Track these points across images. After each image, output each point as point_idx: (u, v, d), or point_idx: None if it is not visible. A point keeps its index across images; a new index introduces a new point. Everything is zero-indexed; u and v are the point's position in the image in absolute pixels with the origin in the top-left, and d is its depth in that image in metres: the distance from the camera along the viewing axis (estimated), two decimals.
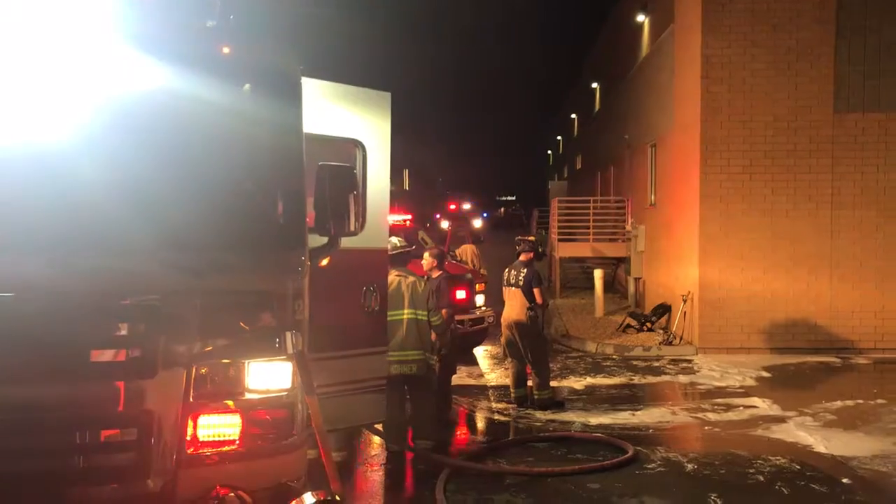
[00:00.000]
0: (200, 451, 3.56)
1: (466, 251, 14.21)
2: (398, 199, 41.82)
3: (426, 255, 8.57)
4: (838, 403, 8.94)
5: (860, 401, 9.04)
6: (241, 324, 3.64)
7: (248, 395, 3.65)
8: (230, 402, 3.62)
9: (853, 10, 11.95)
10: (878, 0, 11.98)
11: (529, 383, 9.26)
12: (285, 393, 3.72)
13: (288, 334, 3.64)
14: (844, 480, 6.41)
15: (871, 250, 12.11)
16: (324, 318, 5.23)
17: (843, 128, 12.04)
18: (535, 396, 9.11)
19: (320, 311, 4.95)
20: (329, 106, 5.86)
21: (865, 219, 12.08)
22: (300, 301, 3.84)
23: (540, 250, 10.12)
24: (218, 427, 3.58)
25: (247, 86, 4.10)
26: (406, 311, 7.26)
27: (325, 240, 4.27)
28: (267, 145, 3.95)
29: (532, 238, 10.09)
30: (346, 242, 4.60)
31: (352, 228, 4.28)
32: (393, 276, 7.13)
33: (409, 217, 14.98)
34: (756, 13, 12.06)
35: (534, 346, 9.12)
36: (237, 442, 3.61)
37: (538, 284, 9.16)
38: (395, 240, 7.62)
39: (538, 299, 9.10)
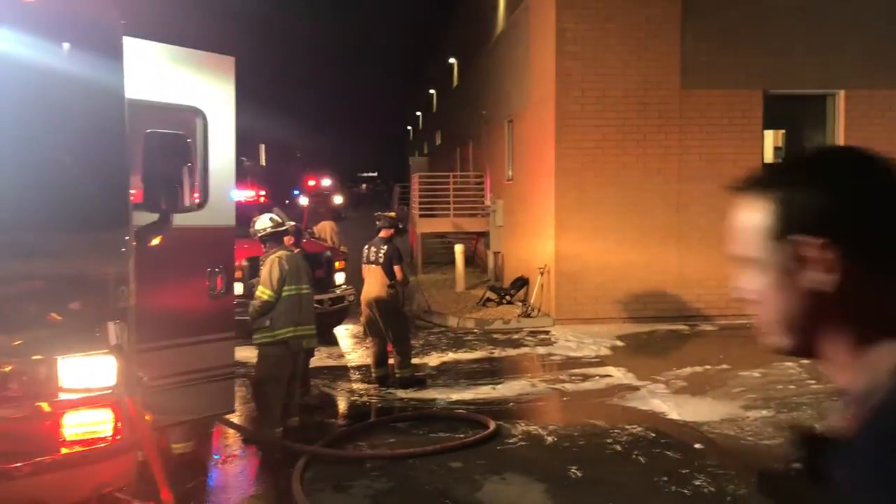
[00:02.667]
0: (5, 465, 3.08)
1: (325, 228, 13.80)
2: (253, 174, 40.56)
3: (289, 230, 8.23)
4: (688, 370, 9.28)
5: (708, 367, 9.41)
6: (53, 315, 3.17)
7: (62, 396, 3.19)
8: (42, 405, 3.15)
9: None
10: None
11: (391, 362, 9.06)
12: (109, 391, 3.28)
13: (110, 324, 3.20)
14: (697, 446, 6.60)
15: (715, 221, 12.59)
16: (162, 304, 4.79)
17: (689, 104, 12.47)
18: (397, 375, 8.93)
19: (157, 296, 4.51)
20: (164, 71, 5.34)
21: (709, 192, 12.57)
22: (124, 286, 3.40)
23: (400, 226, 9.92)
24: (25, 434, 3.11)
25: (64, 44, 3.59)
26: (305, 286, 7.28)
27: (155, 217, 3.83)
28: (81, 110, 3.46)
29: (392, 214, 9.88)
30: (186, 220, 4.19)
31: (186, 203, 3.86)
32: (281, 252, 7.17)
33: (263, 193, 14.35)
34: None
35: (394, 324, 8.93)
36: (51, 449, 3.16)
37: (399, 261, 8.97)
38: (270, 216, 7.50)
39: (399, 276, 8.91)
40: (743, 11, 12.43)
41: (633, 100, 12.38)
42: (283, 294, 7.01)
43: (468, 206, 19.72)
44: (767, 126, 12.95)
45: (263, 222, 7.37)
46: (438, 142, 36.10)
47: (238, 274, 8.67)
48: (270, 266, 7.02)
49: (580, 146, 12.38)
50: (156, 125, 4.22)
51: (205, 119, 5.54)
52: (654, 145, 12.45)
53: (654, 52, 12.34)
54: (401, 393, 8.62)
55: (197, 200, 4.95)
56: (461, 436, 6.91)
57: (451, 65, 29.00)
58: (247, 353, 8.01)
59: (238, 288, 8.32)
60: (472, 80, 22.88)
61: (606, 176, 12.44)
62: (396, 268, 8.91)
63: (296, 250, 7.90)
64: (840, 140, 12.82)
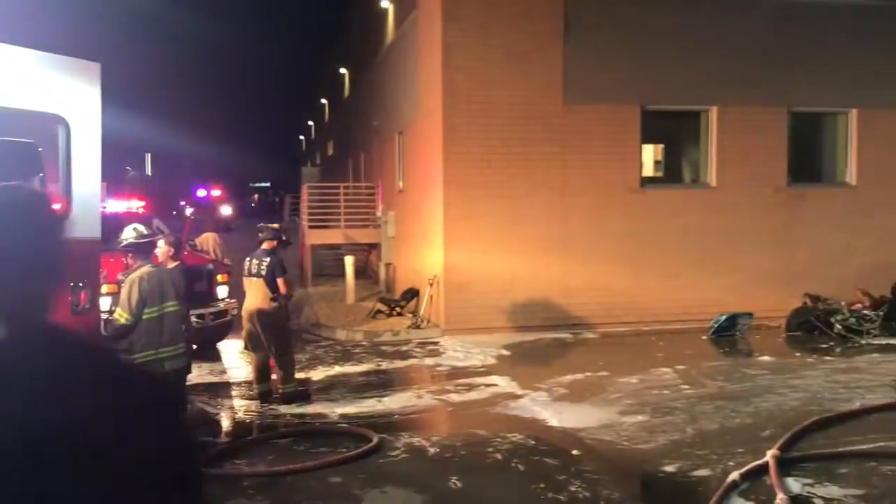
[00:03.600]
0: None
1: (208, 240, 13.42)
2: (138, 184, 39.16)
3: (161, 243, 7.91)
4: (570, 377, 9.49)
5: (589, 374, 9.65)
6: None
7: None
8: None
9: (578, 7, 12.74)
10: (598, 1, 12.85)
11: (274, 377, 8.88)
12: None
13: None
14: (574, 452, 6.74)
15: (596, 233, 13.04)
16: None
17: (571, 118, 12.81)
18: (280, 390, 8.75)
19: None
20: (22, 76, 5.08)
21: (591, 203, 12.98)
22: None
23: (283, 238, 9.76)
24: None
25: None
26: (170, 304, 6.89)
27: None
28: None
29: (276, 226, 9.74)
30: None
31: None
32: (148, 268, 6.78)
33: (142, 204, 13.84)
34: (492, 4, 12.47)
35: (277, 338, 8.76)
36: None
37: (282, 274, 8.81)
38: (135, 227, 7.12)
39: (282, 289, 8.75)
40: (622, 29, 12.91)
41: (518, 114, 12.62)
42: (144, 317, 6.60)
43: (360, 218, 19.62)
44: (646, 140, 13.47)
45: (127, 233, 7.05)
46: (331, 152, 35.81)
47: (114, 288, 8.32)
48: (130, 288, 6.65)
49: (468, 158, 12.53)
50: (13, 133, 4.00)
51: (67, 127, 5.29)
52: (539, 158, 12.73)
53: (538, 67, 12.63)
54: (284, 408, 8.45)
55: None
56: (343, 450, 6.82)
57: (343, 75, 28.86)
58: None
59: (106, 303, 7.99)
60: (364, 91, 22.84)
61: (493, 188, 12.62)
62: (279, 280, 8.75)
63: (175, 263, 7.63)
64: (714, 154, 13.48)
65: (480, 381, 9.50)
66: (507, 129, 12.60)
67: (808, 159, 14.34)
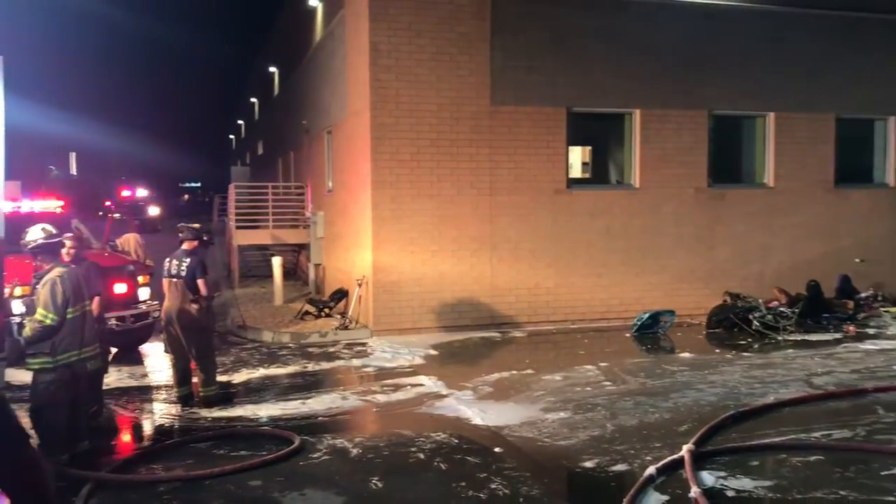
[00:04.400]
0: None
1: (130, 240, 13.05)
2: (59, 184, 37.94)
3: (66, 241, 7.68)
4: (496, 376, 9.55)
5: (514, 372, 9.73)
6: None
7: None
8: None
9: (506, 9, 12.83)
10: (525, 3, 12.98)
11: (195, 380, 8.70)
12: None
13: None
14: (496, 449, 6.78)
15: (524, 233, 13.16)
16: None
17: (499, 119, 12.90)
18: (201, 394, 8.59)
19: None
20: None
21: (519, 204, 13.09)
22: None
23: (205, 238, 9.57)
24: None
25: None
26: (87, 303, 6.87)
27: None
28: None
29: (196, 225, 9.51)
30: None
31: None
32: (58, 269, 6.67)
33: (61, 203, 13.40)
34: (420, 4, 12.46)
35: (198, 341, 8.59)
36: None
37: (203, 275, 8.64)
38: (43, 227, 6.92)
39: (203, 291, 8.59)
40: (548, 31, 13.05)
41: (447, 114, 12.65)
42: (68, 316, 6.55)
43: (289, 218, 19.38)
44: (574, 142, 13.66)
45: (34, 233, 6.83)
46: (261, 151, 35.31)
47: (28, 290, 8.03)
48: (52, 287, 6.50)
49: (396, 158, 12.49)
50: None
51: None
52: (467, 159, 12.77)
53: (466, 68, 12.68)
54: (204, 412, 8.28)
55: None
56: (264, 453, 6.72)
57: (273, 73, 28.48)
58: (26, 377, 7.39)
59: (17, 306, 7.73)
60: (294, 90, 22.58)
61: (422, 188, 12.62)
62: (200, 281, 8.59)
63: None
64: (637, 155, 13.75)
65: (407, 381, 9.48)
66: (435, 129, 12.61)
67: (729, 161, 14.75)
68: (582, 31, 13.26)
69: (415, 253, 12.64)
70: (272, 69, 28.35)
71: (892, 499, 5.51)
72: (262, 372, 10.26)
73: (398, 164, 12.50)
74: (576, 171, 13.98)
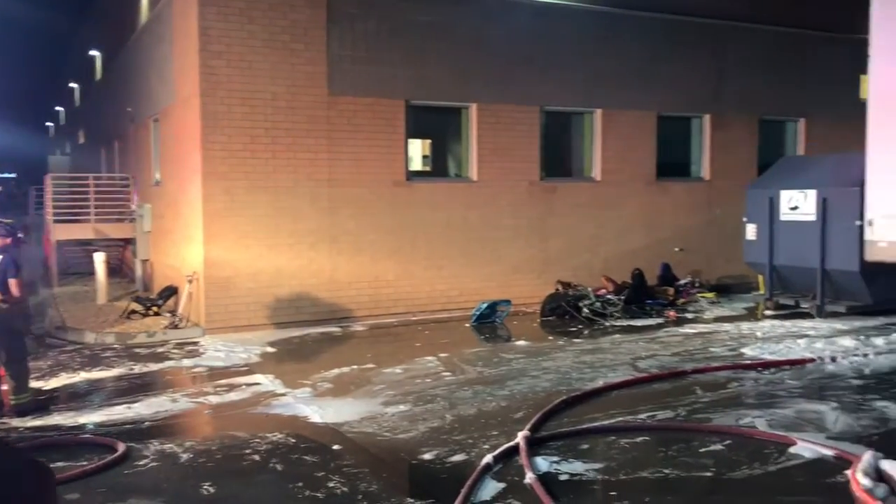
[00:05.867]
0: None
1: None
2: None
3: None
4: (335, 371, 9.39)
5: (354, 367, 9.60)
6: None
7: None
8: None
9: None
10: None
11: (4, 388, 7.97)
12: None
13: None
14: (335, 447, 6.64)
15: (365, 225, 13.04)
16: None
17: (337, 110, 12.69)
18: (13, 402, 7.88)
19: None
20: None
21: (359, 196, 12.95)
22: None
23: (19, 235, 8.80)
24: None
25: None
26: None
27: None
28: None
29: (9, 221, 8.73)
30: None
31: None
32: None
33: None
34: None
35: (7, 345, 7.90)
36: None
37: (14, 275, 7.96)
38: None
39: (15, 291, 7.90)
40: (386, 22, 12.98)
41: (283, 103, 12.29)
42: None
43: (113, 211, 18.23)
44: (414, 135, 13.68)
45: None
46: (82, 140, 33.04)
47: None
48: None
49: (228, 148, 12.00)
50: None
51: None
52: (304, 150, 12.48)
53: (302, 57, 12.37)
54: (16, 421, 7.60)
55: None
56: (84, 464, 6.24)
57: (94, 57, 26.68)
58: None
59: None
60: (118, 75, 21.23)
61: (256, 180, 12.20)
62: (11, 281, 7.91)
63: None
64: (474, 149, 13.96)
65: (242, 380, 9.14)
66: (270, 118, 12.23)
67: (560, 155, 15.31)
68: (420, 23, 13.28)
69: (250, 247, 12.22)
70: (94, 53, 26.54)
71: (709, 474, 5.87)
72: (83, 376, 9.57)
73: (231, 154, 12.02)
74: (416, 164, 14.01)
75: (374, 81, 12.92)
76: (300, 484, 5.75)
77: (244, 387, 8.83)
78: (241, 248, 12.15)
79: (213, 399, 8.38)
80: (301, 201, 12.51)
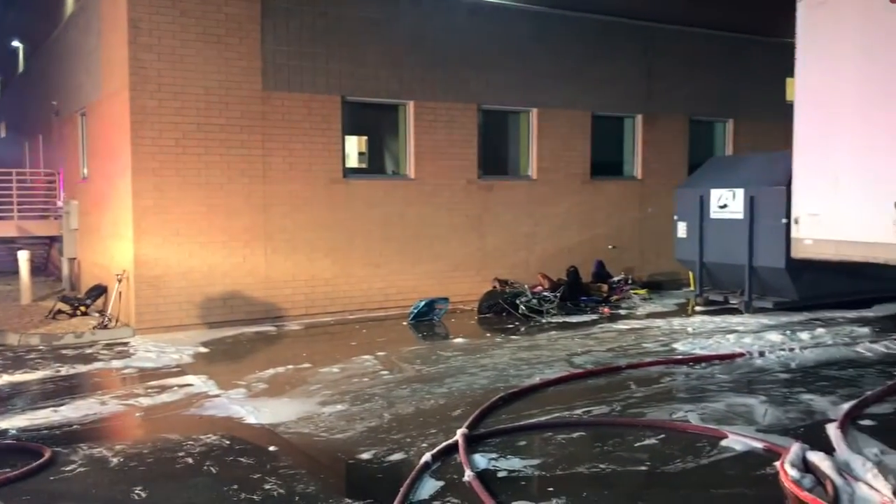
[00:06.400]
0: None
1: None
2: None
3: None
4: (271, 371, 9.25)
5: (290, 366, 9.48)
6: None
7: None
8: None
9: None
10: None
11: None
12: None
13: None
14: (271, 448, 6.53)
15: (300, 223, 12.88)
16: None
17: (271, 105, 12.49)
18: None
19: None
20: None
21: (294, 193, 12.79)
22: None
23: None
24: None
25: None
26: None
27: None
28: None
29: None
30: None
31: None
32: None
33: None
34: None
35: None
36: None
37: None
38: None
39: None
40: (321, 18, 12.84)
41: (215, 98, 12.04)
42: None
43: (38, 208, 17.62)
44: (350, 131, 13.57)
45: None
46: (3, 134, 31.82)
47: None
48: None
49: (159, 144, 11.71)
50: None
51: None
52: (238, 146, 12.26)
53: (235, 51, 12.14)
54: None
55: None
56: (7, 470, 5.99)
57: (16, 48, 25.71)
58: None
59: None
60: (42, 67, 20.50)
61: (188, 176, 11.93)
62: None
63: None
64: (412, 147, 13.92)
65: (174, 381, 8.92)
66: (203, 113, 11.97)
67: (497, 154, 15.39)
68: (355, 19, 13.17)
69: (181, 245, 11.94)
70: (16, 44, 25.57)
71: (644, 468, 5.96)
72: (5, 379, 9.21)
73: (161, 149, 11.72)
74: (352, 161, 13.91)
75: (310, 77, 12.77)
76: (235, 486, 5.64)
77: (176, 388, 8.63)
78: (172, 245, 11.87)
79: (145, 401, 8.16)
80: (235, 198, 12.28)
